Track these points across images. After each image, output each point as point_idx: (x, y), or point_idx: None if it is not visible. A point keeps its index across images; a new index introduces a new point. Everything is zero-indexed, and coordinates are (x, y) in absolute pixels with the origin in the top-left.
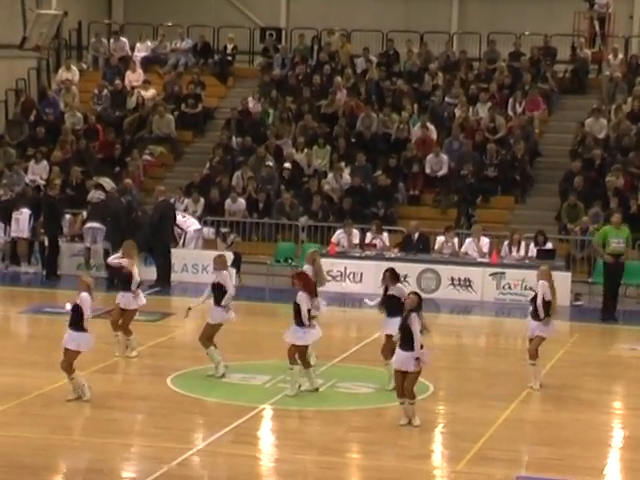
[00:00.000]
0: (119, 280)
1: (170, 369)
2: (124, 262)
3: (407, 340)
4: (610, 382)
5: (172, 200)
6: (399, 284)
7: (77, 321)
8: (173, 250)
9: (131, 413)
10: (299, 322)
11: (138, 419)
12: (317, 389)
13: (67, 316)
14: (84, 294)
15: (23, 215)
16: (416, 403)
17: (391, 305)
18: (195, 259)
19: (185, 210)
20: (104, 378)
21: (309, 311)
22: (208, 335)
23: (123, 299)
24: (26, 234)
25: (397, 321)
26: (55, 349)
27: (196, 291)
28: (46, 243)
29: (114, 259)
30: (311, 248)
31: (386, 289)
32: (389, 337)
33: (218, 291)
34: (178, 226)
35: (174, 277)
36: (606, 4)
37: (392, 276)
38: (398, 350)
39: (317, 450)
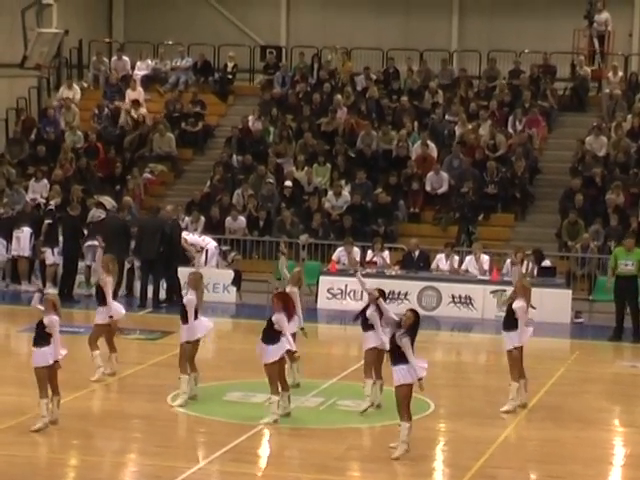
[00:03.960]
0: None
1: (170, 387)
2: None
3: (397, 354)
4: (611, 399)
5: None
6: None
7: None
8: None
9: (131, 431)
10: (269, 340)
11: (138, 437)
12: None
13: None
14: (53, 317)
15: (24, 233)
16: (403, 428)
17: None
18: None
19: (185, 228)
20: (104, 396)
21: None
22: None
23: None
24: (27, 252)
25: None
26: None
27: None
28: (45, 261)
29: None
30: (296, 268)
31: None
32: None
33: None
34: (195, 245)
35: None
36: (605, 22)
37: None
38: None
39: (317, 468)
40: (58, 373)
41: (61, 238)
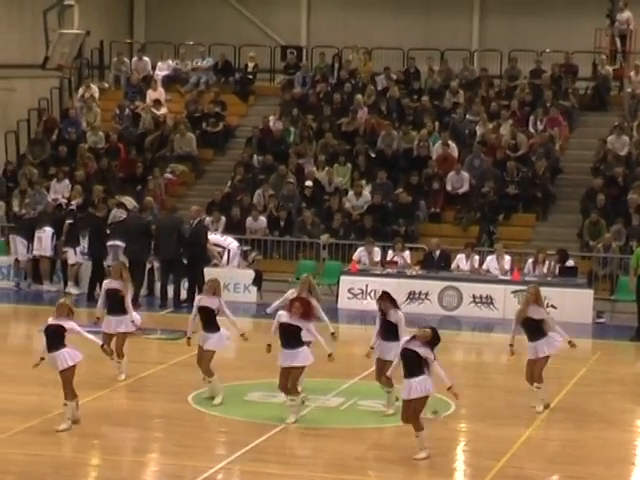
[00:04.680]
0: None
1: (191, 387)
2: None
3: (413, 367)
4: (633, 400)
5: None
6: (395, 310)
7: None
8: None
9: (152, 431)
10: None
11: (159, 437)
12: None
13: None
14: (71, 322)
15: (45, 233)
16: (422, 436)
17: (389, 330)
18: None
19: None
20: (126, 396)
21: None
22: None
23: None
24: (48, 252)
25: (393, 346)
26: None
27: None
28: (67, 261)
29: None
30: (304, 274)
31: (382, 312)
32: (384, 362)
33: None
34: (218, 245)
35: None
36: (627, 21)
37: (390, 300)
38: (406, 380)
39: (338, 468)
40: (77, 373)
41: (86, 238)
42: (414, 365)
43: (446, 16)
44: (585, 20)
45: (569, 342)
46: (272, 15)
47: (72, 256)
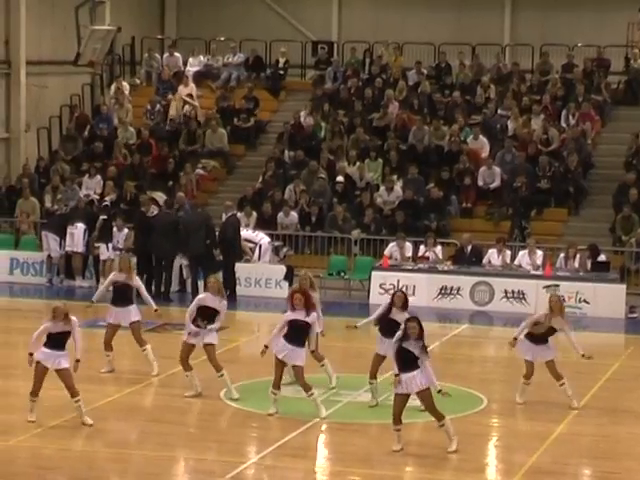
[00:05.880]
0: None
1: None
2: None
3: (408, 362)
4: None
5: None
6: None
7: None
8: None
9: (184, 426)
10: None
11: (191, 432)
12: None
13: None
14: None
15: (78, 230)
16: (448, 425)
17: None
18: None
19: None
20: (158, 391)
21: None
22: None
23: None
24: (81, 248)
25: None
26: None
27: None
28: (99, 257)
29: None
30: (302, 271)
31: (389, 311)
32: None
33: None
34: (250, 240)
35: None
36: None
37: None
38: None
39: (370, 464)
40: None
41: (122, 233)
42: (410, 361)
43: (477, 10)
44: (617, 14)
45: (582, 355)
46: (303, 10)
47: (105, 252)
